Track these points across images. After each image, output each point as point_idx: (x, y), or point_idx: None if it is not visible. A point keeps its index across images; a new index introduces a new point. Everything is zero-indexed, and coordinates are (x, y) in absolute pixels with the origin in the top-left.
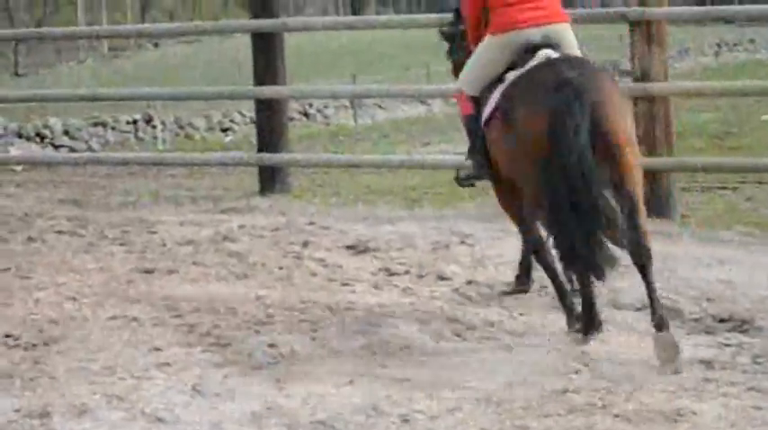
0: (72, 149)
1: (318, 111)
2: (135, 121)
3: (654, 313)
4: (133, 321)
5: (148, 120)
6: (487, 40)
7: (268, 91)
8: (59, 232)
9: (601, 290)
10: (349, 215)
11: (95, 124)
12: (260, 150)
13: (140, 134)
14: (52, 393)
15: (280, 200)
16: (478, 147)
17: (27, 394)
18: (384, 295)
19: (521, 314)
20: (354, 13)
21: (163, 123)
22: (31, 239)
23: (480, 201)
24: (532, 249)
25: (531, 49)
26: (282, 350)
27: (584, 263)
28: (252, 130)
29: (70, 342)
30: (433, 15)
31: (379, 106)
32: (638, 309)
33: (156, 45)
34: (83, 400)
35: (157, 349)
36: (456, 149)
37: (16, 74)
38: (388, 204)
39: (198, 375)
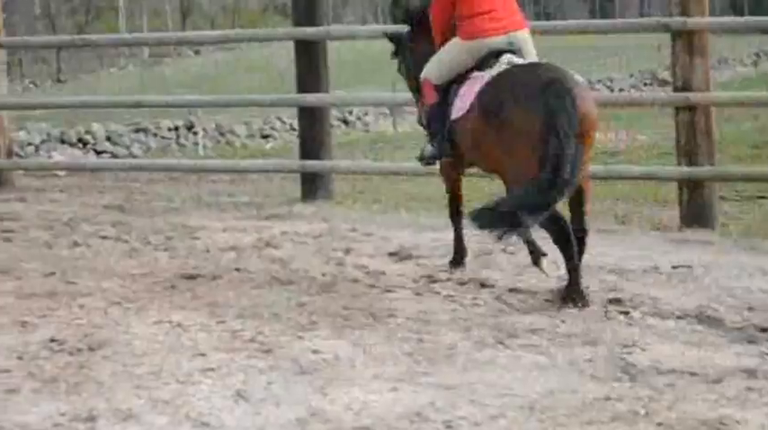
0: (114, 155)
1: (358, 118)
2: (176, 128)
3: (572, 272)
4: (177, 327)
5: (190, 127)
6: (456, 42)
7: (311, 98)
8: (104, 237)
9: (643, 299)
10: (391, 222)
11: (137, 130)
12: (302, 157)
13: (182, 140)
14: (97, 397)
15: (322, 206)
16: (444, 133)
17: (72, 398)
18: (426, 302)
19: (562, 321)
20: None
21: (204, 130)
22: (75, 244)
23: None
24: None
25: (495, 54)
26: (326, 356)
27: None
28: (292, 137)
29: (115, 347)
30: None
31: None
32: (679, 318)
33: (196, 52)
34: (128, 405)
35: (202, 354)
36: None
37: (58, 80)
38: (430, 211)
39: (242, 380)
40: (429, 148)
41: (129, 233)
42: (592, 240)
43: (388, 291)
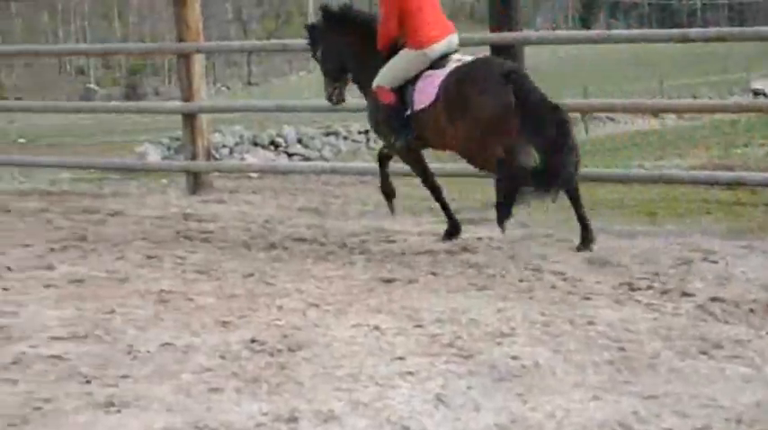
0: (305, 158)
1: None
2: (366, 131)
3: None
4: (375, 330)
5: None
6: (409, 52)
7: None
8: (299, 240)
9: None
10: None
11: (328, 133)
12: None
13: (371, 144)
14: (299, 398)
15: (518, 212)
16: (406, 125)
17: (274, 398)
18: (626, 310)
19: (767, 333)
20: (584, 24)
21: None
22: (272, 246)
23: (721, 216)
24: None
25: (443, 56)
26: (525, 362)
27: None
28: None
29: (315, 348)
30: (676, 31)
31: (610, 119)
32: None
33: None
34: (329, 407)
35: (400, 358)
36: (689, 164)
37: (249, 83)
38: (624, 217)
39: (441, 385)
40: (398, 141)
41: (324, 236)
42: None
43: (587, 298)
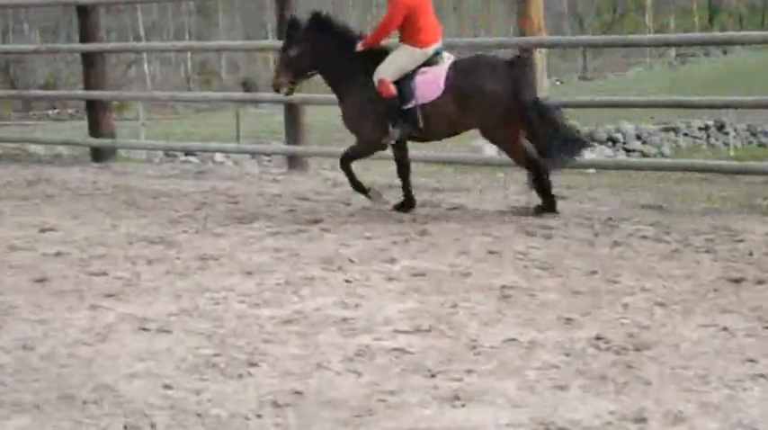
0: (643, 154)
1: None
2: (706, 127)
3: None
4: (723, 330)
5: (720, 127)
6: (413, 49)
7: None
8: (643, 237)
9: None
10: None
11: (666, 129)
12: None
13: (712, 140)
14: (646, 398)
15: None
16: (404, 116)
17: (621, 398)
18: None
19: None
20: None
21: (735, 130)
22: (615, 244)
23: None
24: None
25: (435, 54)
26: None
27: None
28: None
29: (661, 348)
30: None
31: None
32: None
33: (724, 52)
34: (678, 408)
35: (751, 360)
36: None
37: (584, 78)
38: None
39: None
40: (396, 131)
41: (668, 234)
42: None
43: None
